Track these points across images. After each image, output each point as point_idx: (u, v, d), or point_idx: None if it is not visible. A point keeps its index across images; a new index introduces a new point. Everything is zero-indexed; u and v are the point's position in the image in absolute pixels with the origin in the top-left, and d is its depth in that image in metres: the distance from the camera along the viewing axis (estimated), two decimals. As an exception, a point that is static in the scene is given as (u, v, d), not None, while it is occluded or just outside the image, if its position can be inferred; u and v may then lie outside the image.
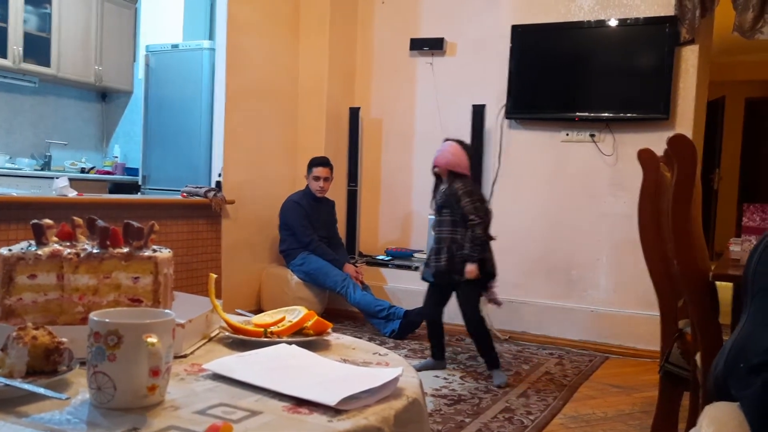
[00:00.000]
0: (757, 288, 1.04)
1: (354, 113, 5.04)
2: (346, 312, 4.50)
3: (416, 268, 4.66)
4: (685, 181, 1.63)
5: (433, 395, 2.95)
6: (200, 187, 4.19)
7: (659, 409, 2.22)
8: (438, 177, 3.34)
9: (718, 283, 1.58)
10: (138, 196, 4.71)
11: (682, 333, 2.08)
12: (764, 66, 7.76)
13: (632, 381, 3.40)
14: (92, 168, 5.80)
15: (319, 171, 4.40)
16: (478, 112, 4.60)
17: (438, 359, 3.42)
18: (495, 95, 4.41)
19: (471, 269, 3.14)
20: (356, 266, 4.51)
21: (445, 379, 3.24)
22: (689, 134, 3.78)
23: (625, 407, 2.98)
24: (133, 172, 5.65)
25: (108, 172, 5.82)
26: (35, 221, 1.12)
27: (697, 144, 3.96)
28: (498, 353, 3.31)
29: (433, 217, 4.56)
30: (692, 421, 1.83)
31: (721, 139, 8.06)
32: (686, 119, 3.91)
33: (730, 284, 1.54)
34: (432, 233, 3.40)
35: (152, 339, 0.82)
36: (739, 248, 1.76)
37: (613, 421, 2.77)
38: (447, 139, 3.36)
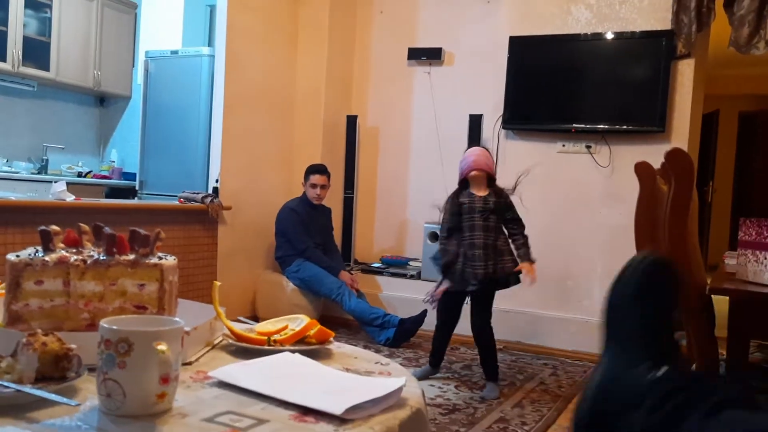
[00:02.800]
0: (614, 323, 0.99)
1: (351, 121, 5.06)
2: (340, 319, 4.50)
3: (411, 276, 4.67)
4: (682, 195, 1.66)
5: (428, 404, 2.95)
6: (197, 193, 4.20)
7: (654, 421, 2.23)
8: (464, 183, 3.25)
9: (714, 296, 1.60)
10: (135, 201, 4.71)
11: (679, 345, 2.10)
12: (757, 80, 7.83)
13: (626, 392, 3.41)
14: (89, 172, 5.80)
15: (316, 178, 4.41)
16: (475, 122, 4.63)
17: (434, 366, 3.42)
18: (492, 105, 4.44)
19: (533, 269, 3.17)
20: (351, 274, 4.52)
21: (439, 388, 3.25)
22: (684, 147, 3.81)
23: (619, 418, 2.99)
24: (130, 176, 5.66)
25: (105, 177, 5.82)
26: (43, 227, 1.13)
27: (691, 157, 4.00)
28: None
29: (430, 225, 4.58)
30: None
31: (715, 152, 8.12)
32: (681, 132, 3.95)
33: (726, 297, 1.56)
34: (446, 239, 3.28)
35: (162, 347, 0.83)
36: (734, 261, 1.78)
37: (607, 432, 2.78)
38: (472, 145, 3.39)
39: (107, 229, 1.17)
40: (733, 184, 8.69)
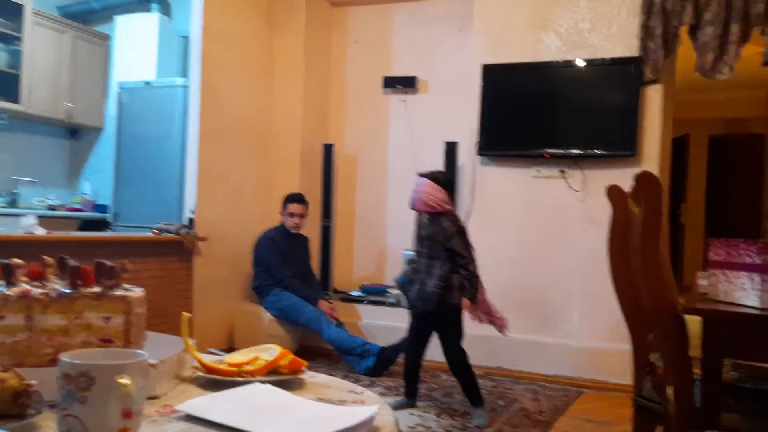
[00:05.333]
0: None
1: (328, 150, 5.07)
2: (320, 349, 4.45)
3: (391, 304, 4.65)
4: (652, 217, 1.67)
5: (408, 433, 2.92)
6: (172, 224, 4.16)
7: (633, 444, 2.22)
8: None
9: (686, 316, 1.61)
10: (108, 234, 4.65)
11: (654, 366, 2.10)
12: (726, 104, 8.04)
13: (606, 415, 3.41)
14: (61, 205, 5.71)
15: (294, 207, 4.40)
16: (451, 149, 4.66)
17: (410, 398, 3.38)
18: (467, 132, 4.48)
19: (465, 304, 3.16)
20: (330, 303, 4.48)
21: (420, 416, 3.21)
22: (655, 170, 3.87)
23: (600, 442, 2.97)
24: (103, 209, 5.59)
25: (77, 209, 5.74)
26: (4, 261, 1.10)
27: (663, 180, 4.06)
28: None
29: (409, 252, 4.58)
30: (666, 455, 1.84)
31: (687, 174, 8.27)
32: (652, 156, 4.01)
33: (698, 318, 1.57)
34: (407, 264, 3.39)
35: (125, 380, 0.81)
36: (706, 282, 1.80)
37: (588, 457, 2.77)
38: (421, 175, 3.32)
39: (71, 262, 1.14)
40: (705, 206, 8.84)
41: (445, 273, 3.13)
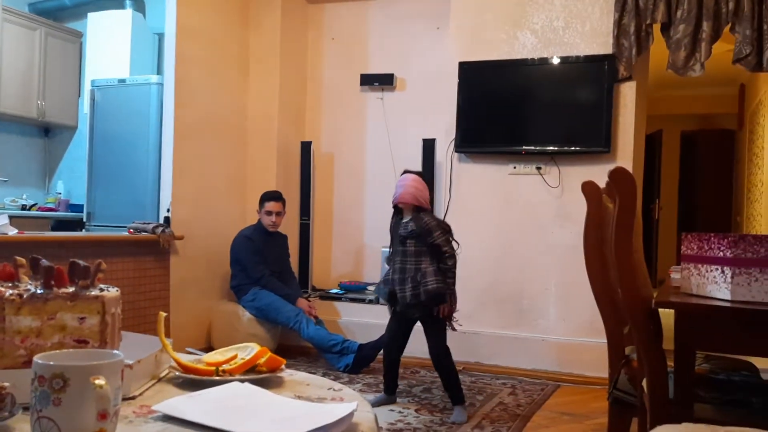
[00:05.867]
0: None
1: (305, 147, 5.06)
2: (299, 348, 4.44)
3: (370, 301, 4.65)
4: (626, 212, 1.70)
5: (388, 429, 2.92)
6: (147, 223, 4.11)
7: (610, 436, 2.26)
8: (397, 209, 3.31)
9: (660, 309, 1.64)
10: (82, 234, 4.58)
11: (629, 359, 2.14)
12: (698, 101, 8.17)
13: (583, 408, 3.45)
14: (34, 205, 5.62)
15: (271, 206, 4.37)
16: (429, 146, 4.68)
17: (390, 394, 3.39)
18: (444, 129, 4.50)
19: (444, 306, 3.15)
20: (309, 300, 4.47)
21: (400, 412, 3.22)
22: (629, 166, 3.92)
23: (578, 435, 3.01)
24: (77, 208, 5.50)
25: (50, 209, 5.65)
26: (-25, 262, 1.08)
27: (636, 176, 4.12)
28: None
29: (387, 249, 4.59)
30: (641, 447, 1.86)
31: (660, 170, 8.39)
32: (626, 152, 4.07)
33: (672, 311, 1.59)
34: (388, 263, 3.39)
35: (100, 381, 0.80)
36: (679, 276, 1.83)
37: (566, 450, 2.80)
38: (406, 171, 3.33)
39: (45, 262, 1.13)
40: (679, 201, 8.98)
41: (435, 268, 3.16)
